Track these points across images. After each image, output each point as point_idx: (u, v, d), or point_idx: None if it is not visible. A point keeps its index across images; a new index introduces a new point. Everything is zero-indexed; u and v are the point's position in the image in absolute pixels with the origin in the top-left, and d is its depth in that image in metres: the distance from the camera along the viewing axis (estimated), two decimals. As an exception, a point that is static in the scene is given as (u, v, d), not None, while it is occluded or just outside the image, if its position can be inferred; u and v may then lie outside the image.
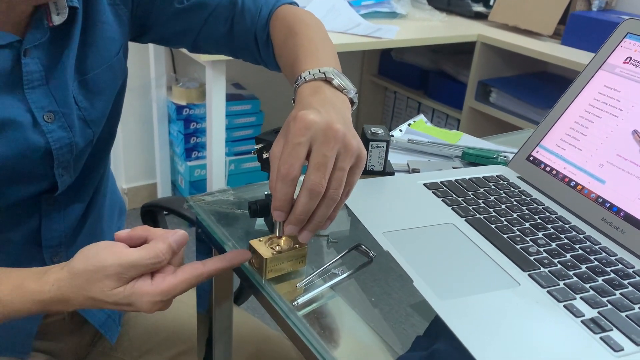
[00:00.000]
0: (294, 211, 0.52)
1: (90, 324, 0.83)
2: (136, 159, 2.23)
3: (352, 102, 0.60)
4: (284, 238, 0.58)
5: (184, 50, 1.74)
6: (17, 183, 0.65)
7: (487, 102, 2.08)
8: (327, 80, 0.59)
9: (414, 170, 0.79)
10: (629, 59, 0.70)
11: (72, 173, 0.71)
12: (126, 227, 0.97)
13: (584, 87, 0.73)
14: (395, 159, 0.82)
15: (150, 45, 1.95)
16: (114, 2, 0.71)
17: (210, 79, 1.62)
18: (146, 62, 2.02)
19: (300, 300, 0.54)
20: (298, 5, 0.80)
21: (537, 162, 0.73)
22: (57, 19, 0.62)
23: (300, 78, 0.60)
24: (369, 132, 0.72)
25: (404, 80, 2.51)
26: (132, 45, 0.78)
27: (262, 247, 0.57)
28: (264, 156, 0.65)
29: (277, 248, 0.57)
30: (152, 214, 1.12)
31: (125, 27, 0.74)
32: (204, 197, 0.71)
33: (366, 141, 0.71)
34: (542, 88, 2.05)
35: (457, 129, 2.23)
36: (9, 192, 0.66)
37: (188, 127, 2.04)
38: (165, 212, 1.09)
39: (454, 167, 0.79)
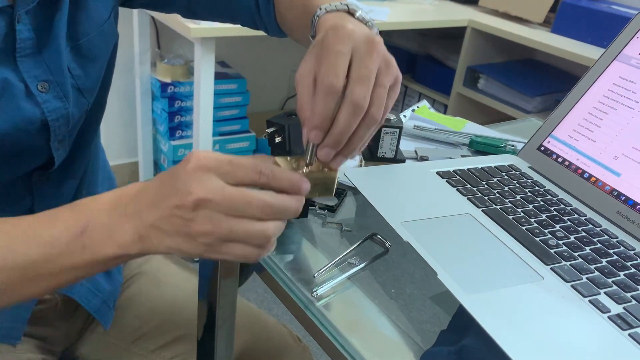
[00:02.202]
0: (332, 130, 0.48)
1: (82, 309, 0.80)
2: (118, 137, 2.17)
3: None
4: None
5: (169, 24, 1.69)
6: (15, 159, 0.62)
7: (475, 88, 2.08)
8: (350, 12, 0.55)
9: (423, 158, 0.77)
10: (645, 50, 0.69)
11: (67, 146, 0.67)
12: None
13: (598, 77, 0.72)
14: (402, 145, 0.80)
15: (135, 20, 1.88)
16: None
17: (200, 56, 1.57)
18: (130, 37, 1.95)
19: (320, 291, 0.52)
20: None
21: (548, 153, 0.72)
22: None
23: (320, 9, 0.55)
24: (381, 117, 0.70)
25: (391, 63, 2.49)
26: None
27: (287, 166, 0.50)
28: (277, 140, 0.63)
29: (305, 170, 0.51)
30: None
31: None
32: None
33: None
34: (530, 75, 2.06)
35: (444, 114, 2.23)
36: (5, 169, 0.62)
37: (172, 105, 1.99)
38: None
39: (462, 156, 0.78)
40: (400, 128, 0.69)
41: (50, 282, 0.50)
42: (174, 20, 1.57)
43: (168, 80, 1.96)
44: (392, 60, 0.49)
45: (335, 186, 0.52)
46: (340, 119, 0.48)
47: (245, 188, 0.45)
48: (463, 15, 2.03)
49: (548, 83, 2.00)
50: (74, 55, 0.64)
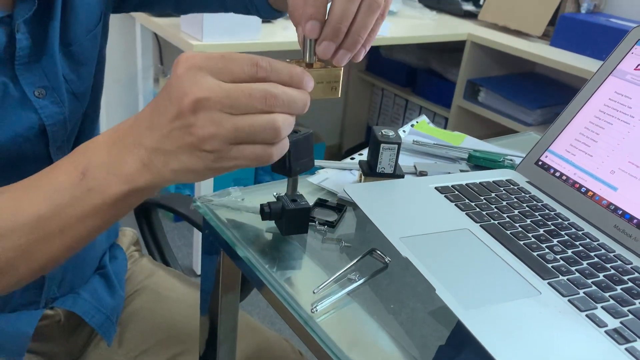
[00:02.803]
0: (330, 18, 0.45)
1: (85, 325, 0.81)
2: (121, 152, 2.19)
3: None
4: (314, 64, 0.49)
5: (172, 40, 1.71)
6: (15, 168, 0.63)
7: (475, 101, 2.09)
8: None
9: (422, 173, 0.78)
10: (640, 66, 0.70)
11: (66, 152, 0.68)
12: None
13: (594, 92, 0.73)
14: (401, 160, 0.81)
15: (138, 37, 1.90)
16: None
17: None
18: (133, 53, 1.98)
19: (320, 307, 0.53)
20: None
21: (546, 167, 0.73)
22: None
23: None
24: (380, 134, 0.71)
25: (392, 77, 2.51)
26: (118, 36, 0.76)
27: None
28: (276, 157, 0.64)
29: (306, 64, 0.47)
30: (146, 211, 1.09)
31: None
32: (212, 198, 0.69)
33: (377, 143, 0.70)
34: (531, 88, 2.07)
35: (445, 128, 2.24)
36: (6, 179, 0.63)
37: (175, 120, 2.00)
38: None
39: (461, 170, 0.79)
40: (399, 144, 0.70)
41: (64, 238, 0.48)
42: (176, 36, 1.59)
43: (171, 95, 1.97)
44: None
45: (340, 85, 0.48)
46: (336, 4, 0.45)
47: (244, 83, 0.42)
48: (462, 29, 2.05)
49: (548, 96, 2.01)
50: (67, 60, 0.66)
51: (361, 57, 0.51)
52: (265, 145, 0.43)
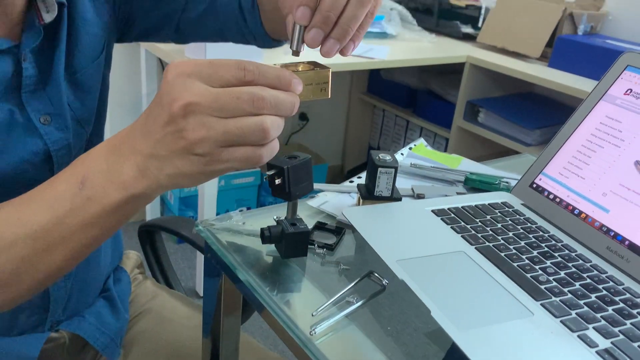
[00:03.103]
0: (320, 7, 0.47)
1: (90, 347, 0.82)
2: (125, 174, 2.21)
3: None
4: (301, 65, 0.51)
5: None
6: (21, 192, 0.65)
7: (475, 121, 2.12)
8: None
9: (419, 196, 0.80)
10: (629, 90, 0.72)
11: None
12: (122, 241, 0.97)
13: (586, 116, 0.75)
14: (399, 183, 0.83)
15: (142, 62, 1.94)
16: None
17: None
18: (137, 78, 2.01)
19: (318, 330, 0.54)
20: None
21: (540, 190, 0.74)
22: (48, 17, 0.62)
23: None
24: (377, 158, 0.73)
25: (393, 98, 2.54)
26: (123, 62, 0.79)
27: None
28: (276, 182, 0.66)
29: (294, 69, 0.48)
30: (150, 233, 1.11)
31: (106, 23, 0.73)
32: (213, 222, 0.71)
33: (374, 167, 0.71)
34: (529, 109, 2.09)
35: (446, 148, 2.26)
36: None
37: (179, 143, 2.03)
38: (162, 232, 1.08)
39: (458, 193, 0.81)
40: (396, 168, 0.72)
41: (66, 248, 0.49)
42: (180, 62, 1.62)
43: (174, 118, 2.00)
44: None
45: (330, 85, 0.50)
46: None
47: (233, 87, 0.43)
48: (461, 52, 2.08)
49: (547, 116, 2.04)
50: (72, 87, 0.68)
51: (350, 52, 0.53)
52: (255, 146, 0.44)
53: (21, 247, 0.49)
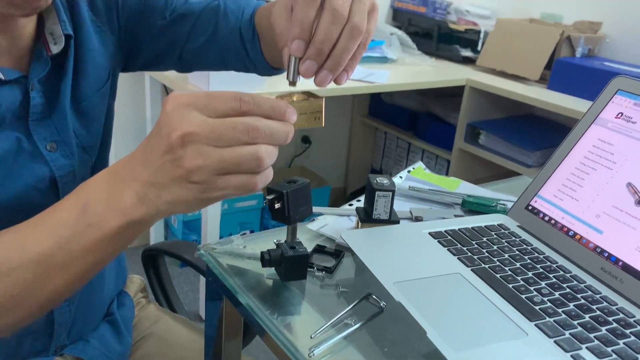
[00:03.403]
0: (314, 39, 0.49)
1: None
2: (129, 199, 2.23)
3: None
4: (296, 94, 0.53)
5: (179, 91, 1.77)
6: (28, 219, 0.67)
7: (476, 143, 2.13)
8: None
9: (417, 219, 0.81)
10: (620, 114, 0.74)
11: None
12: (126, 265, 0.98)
13: (579, 139, 0.76)
14: (397, 206, 0.84)
15: (147, 87, 1.98)
16: (100, 29, 0.73)
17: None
18: (142, 103, 2.05)
19: (317, 352, 0.55)
20: None
21: (535, 212, 0.76)
22: (55, 48, 0.65)
23: None
24: (375, 182, 0.75)
25: (394, 121, 2.57)
26: (128, 87, 0.81)
27: None
28: (276, 206, 0.67)
29: (289, 99, 0.51)
30: (153, 257, 1.12)
31: (111, 53, 0.76)
32: (215, 246, 0.72)
33: (372, 191, 0.73)
34: (529, 130, 2.11)
35: (447, 170, 2.28)
36: None
37: (183, 167, 2.05)
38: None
39: (455, 215, 0.82)
40: (393, 191, 0.73)
41: (68, 273, 0.51)
42: (184, 88, 1.65)
43: (178, 143, 2.03)
44: None
45: (323, 114, 0.52)
46: (321, 26, 0.48)
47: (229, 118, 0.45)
48: (461, 75, 2.11)
49: (547, 137, 2.05)
50: (77, 116, 0.70)
51: (343, 81, 0.55)
52: (250, 174, 0.46)
53: (23, 272, 0.50)
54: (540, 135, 2.07)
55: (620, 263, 0.64)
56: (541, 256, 0.69)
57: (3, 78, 0.61)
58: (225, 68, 0.84)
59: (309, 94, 0.53)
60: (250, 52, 0.80)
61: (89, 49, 0.71)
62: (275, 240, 0.68)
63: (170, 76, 1.73)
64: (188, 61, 0.83)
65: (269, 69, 0.81)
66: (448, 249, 0.69)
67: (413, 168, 1.00)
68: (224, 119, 0.45)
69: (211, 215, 1.78)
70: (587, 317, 0.58)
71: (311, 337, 0.58)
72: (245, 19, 0.79)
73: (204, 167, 0.45)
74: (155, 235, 2.24)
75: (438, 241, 0.70)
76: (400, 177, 0.97)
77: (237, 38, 0.80)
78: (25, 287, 0.51)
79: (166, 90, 2.10)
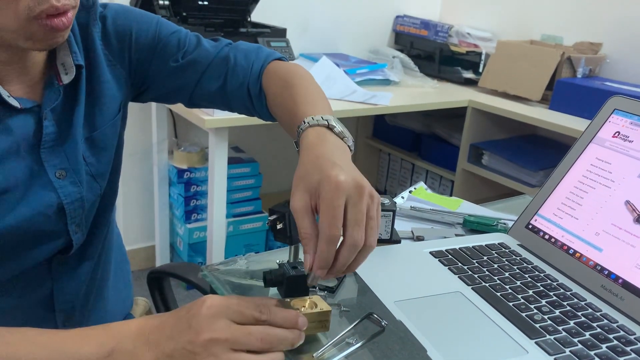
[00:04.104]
0: (335, 266, 0.56)
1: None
2: (135, 222, 2.25)
3: (350, 149, 0.65)
4: (307, 301, 0.61)
5: (185, 116, 1.80)
6: (37, 245, 0.68)
7: (479, 164, 2.14)
8: (329, 127, 0.63)
9: (419, 238, 0.82)
10: (617, 133, 0.75)
11: (84, 229, 0.73)
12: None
13: (577, 159, 0.77)
14: (399, 225, 0.85)
15: (153, 112, 2.01)
16: (111, 63, 0.76)
17: (213, 144, 1.67)
18: (148, 127, 2.08)
19: (318, 370, 0.56)
20: (287, 60, 0.85)
21: (536, 230, 0.76)
22: (67, 78, 0.67)
23: (304, 123, 0.64)
24: (376, 202, 0.75)
25: (398, 142, 2.58)
26: (135, 111, 0.83)
27: (286, 306, 0.59)
28: (278, 227, 0.68)
29: (302, 310, 0.59)
30: (159, 280, 1.13)
31: (122, 86, 0.78)
32: (218, 267, 0.73)
33: (373, 211, 0.74)
34: (532, 150, 2.12)
35: (452, 190, 2.28)
36: (28, 255, 0.68)
37: (188, 190, 2.07)
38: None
39: (456, 235, 0.83)
40: (394, 211, 0.74)
41: None
42: (190, 112, 1.68)
43: (184, 166, 2.05)
44: (374, 192, 0.58)
45: (329, 322, 0.60)
46: (341, 257, 0.56)
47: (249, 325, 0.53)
48: (463, 96, 2.13)
49: (550, 157, 2.06)
50: (89, 145, 0.72)
51: (352, 271, 0.61)
52: None
53: None
54: (543, 155, 2.07)
55: (620, 280, 0.65)
56: (541, 274, 0.69)
57: (19, 107, 0.63)
58: (230, 110, 0.87)
59: (318, 301, 0.61)
60: (256, 105, 0.83)
61: (102, 81, 0.74)
62: (277, 261, 0.69)
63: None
64: (196, 103, 0.86)
65: (271, 118, 0.84)
66: (449, 268, 0.69)
67: (415, 188, 1.01)
68: (243, 327, 0.53)
69: (216, 238, 1.79)
70: (587, 334, 0.58)
71: (313, 356, 0.58)
72: (254, 76, 0.81)
73: None
74: (161, 258, 2.24)
75: (439, 260, 0.71)
76: (402, 197, 0.98)
77: (245, 92, 0.82)
78: None
79: (172, 115, 2.13)
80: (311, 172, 0.57)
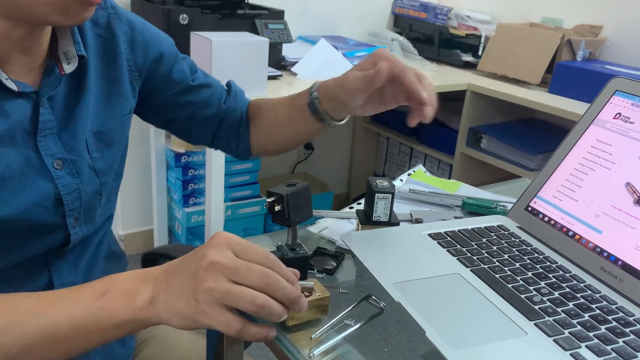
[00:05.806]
0: (429, 93, 0.75)
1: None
2: (133, 206, 2.25)
3: None
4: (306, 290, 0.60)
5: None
6: (34, 237, 0.67)
7: (478, 147, 2.14)
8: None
9: (417, 220, 0.82)
10: (618, 114, 0.74)
11: (84, 226, 0.72)
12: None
13: (578, 140, 0.77)
14: (398, 208, 0.85)
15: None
16: (131, 69, 0.78)
17: (210, 127, 1.66)
18: (147, 135, 2.07)
19: (316, 352, 0.55)
20: None
21: (535, 213, 0.76)
22: (69, 68, 0.67)
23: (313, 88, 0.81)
24: (374, 184, 0.75)
25: (396, 126, 2.57)
26: (133, 120, 0.85)
27: None
28: (276, 209, 0.68)
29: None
30: (154, 262, 1.13)
31: (135, 92, 0.81)
32: (216, 249, 0.72)
33: (372, 193, 0.74)
34: (531, 134, 2.11)
35: (450, 174, 2.28)
36: (25, 246, 0.67)
37: (186, 174, 2.06)
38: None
39: (455, 217, 0.82)
40: (393, 193, 0.74)
41: (66, 346, 0.55)
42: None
43: (182, 150, 2.04)
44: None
45: (328, 306, 0.60)
46: (428, 87, 0.76)
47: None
48: (462, 79, 2.12)
49: (549, 140, 2.05)
50: (96, 139, 0.73)
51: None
52: (239, 320, 0.52)
53: (28, 336, 0.54)
54: (542, 139, 2.07)
55: (620, 262, 0.65)
56: (541, 256, 0.69)
57: (17, 89, 0.62)
58: (211, 145, 0.95)
59: (316, 286, 0.60)
60: (241, 129, 0.91)
61: (120, 82, 0.76)
62: (276, 243, 0.69)
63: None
64: (186, 131, 0.93)
65: (247, 154, 0.93)
66: (447, 250, 0.69)
67: (413, 171, 1.00)
68: (247, 262, 0.52)
69: (215, 221, 1.79)
70: (586, 316, 0.58)
71: (312, 338, 0.58)
72: (247, 103, 0.93)
73: (213, 290, 0.51)
74: (160, 242, 2.24)
75: (437, 242, 0.71)
76: (401, 180, 0.97)
77: (237, 117, 0.91)
78: (25, 350, 0.54)
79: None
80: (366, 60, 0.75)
